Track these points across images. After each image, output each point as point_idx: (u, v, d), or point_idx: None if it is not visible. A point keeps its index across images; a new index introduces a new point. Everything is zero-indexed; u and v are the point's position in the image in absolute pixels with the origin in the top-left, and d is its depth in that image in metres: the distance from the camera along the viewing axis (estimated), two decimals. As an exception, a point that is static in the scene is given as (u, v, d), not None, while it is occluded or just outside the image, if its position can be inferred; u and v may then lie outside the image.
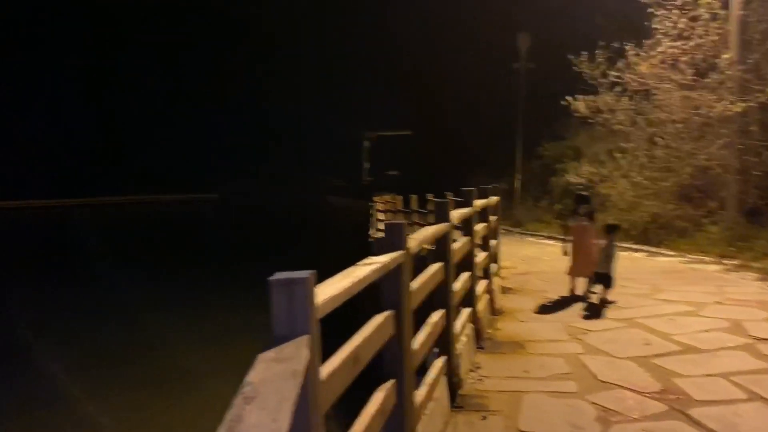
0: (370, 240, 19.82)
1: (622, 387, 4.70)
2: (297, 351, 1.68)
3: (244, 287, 18.09)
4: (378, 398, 2.86)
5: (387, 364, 3.12)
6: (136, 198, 74.08)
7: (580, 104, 16.27)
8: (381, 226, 19.36)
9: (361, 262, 2.79)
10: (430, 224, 11.62)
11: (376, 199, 21.79)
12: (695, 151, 14.15)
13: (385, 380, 3.07)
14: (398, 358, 3.15)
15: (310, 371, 1.79)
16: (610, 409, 4.29)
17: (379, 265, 2.75)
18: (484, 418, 4.34)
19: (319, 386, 1.92)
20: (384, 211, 19.55)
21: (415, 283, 3.56)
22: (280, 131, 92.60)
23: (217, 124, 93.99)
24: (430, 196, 15.26)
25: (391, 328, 3.04)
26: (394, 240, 3.18)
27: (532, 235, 18.98)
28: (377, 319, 2.88)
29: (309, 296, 1.85)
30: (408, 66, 45.04)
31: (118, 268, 23.06)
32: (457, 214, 5.00)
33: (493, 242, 8.26)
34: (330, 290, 2.15)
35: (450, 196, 14.69)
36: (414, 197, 16.18)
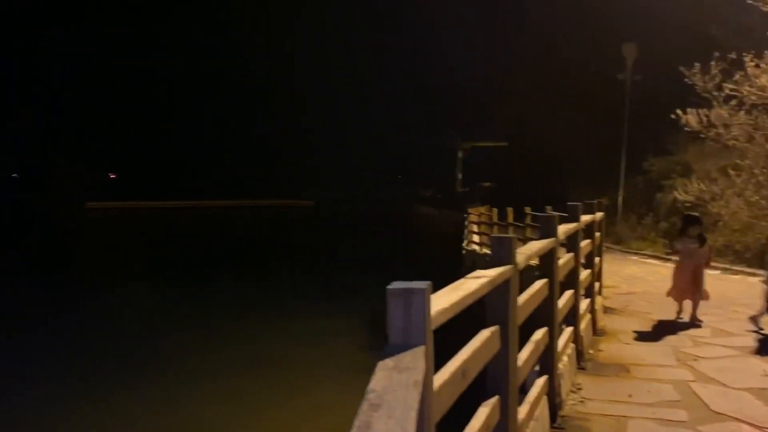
0: (462, 252, 19.67)
1: (737, 419, 4.40)
2: (415, 361, 1.69)
3: (330, 292, 18.48)
4: (482, 414, 2.82)
5: (491, 379, 3.07)
6: (237, 202, 77.20)
7: (690, 118, 15.45)
8: (475, 238, 19.18)
9: (469, 275, 2.77)
10: (528, 238, 11.35)
11: (470, 210, 21.58)
12: (821, 169, 13.10)
13: (489, 396, 3.02)
14: (503, 374, 3.09)
15: (426, 382, 1.79)
16: (725, 443, 4.03)
17: (488, 279, 2.72)
18: (586, 441, 4.19)
19: (432, 397, 1.91)
20: (479, 223, 19.33)
21: (521, 299, 3.49)
22: (375, 140, 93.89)
23: (313, 133, 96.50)
24: (528, 209, 14.98)
25: (498, 343, 2.99)
26: (502, 254, 3.13)
27: (635, 254, 18.18)
28: (484, 334, 2.85)
29: (426, 307, 1.86)
30: (505, 75, 44.35)
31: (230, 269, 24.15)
32: (563, 230, 4.87)
33: (596, 260, 7.98)
34: (442, 302, 2.14)
35: (549, 210, 14.36)
36: (510, 210, 15.91)
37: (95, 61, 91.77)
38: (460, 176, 68.71)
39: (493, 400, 2.98)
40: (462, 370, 2.36)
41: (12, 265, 22.95)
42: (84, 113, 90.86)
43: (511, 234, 14.92)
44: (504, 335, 3.06)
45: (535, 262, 4.48)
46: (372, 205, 69.69)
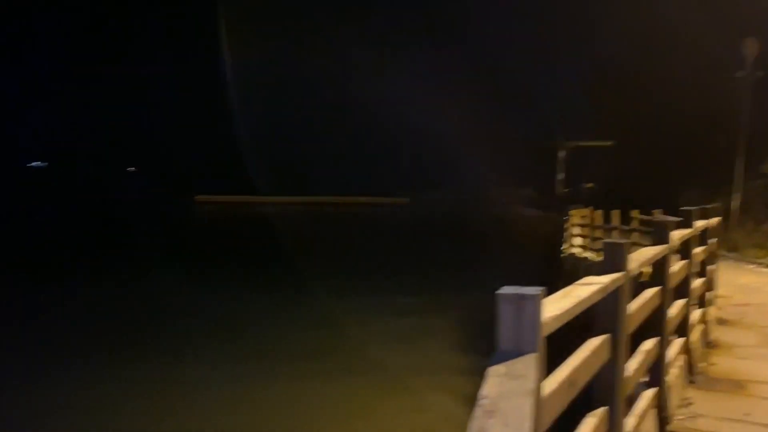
0: (561, 255, 19.13)
1: None
2: (527, 369, 1.66)
3: (425, 291, 18.48)
4: (589, 424, 2.74)
5: (598, 389, 2.97)
6: (335, 199, 78.70)
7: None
8: (575, 241, 18.60)
9: (580, 282, 2.69)
10: (635, 243, 10.87)
11: (572, 212, 20.94)
12: None
13: (595, 406, 2.93)
14: (611, 385, 2.99)
15: (537, 390, 1.76)
16: None
17: (600, 287, 2.63)
18: (698, 460, 3.97)
19: (542, 406, 1.88)
20: (581, 226, 18.73)
21: (632, 308, 3.36)
22: (472, 138, 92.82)
23: (409, 130, 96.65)
24: (634, 213, 14.38)
25: (606, 352, 2.89)
26: (614, 260, 3.02)
27: (751, 263, 17.01)
28: (593, 343, 2.76)
29: (538, 313, 1.82)
30: (611, 71, 42.58)
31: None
32: (677, 236, 4.64)
33: (710, 268, 7.54)
34: (553, 309, 2.10)
35: (659, 214, 13.70)
36: (616, 213, 15.31)
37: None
38: (561, 177, 66.84)
39: (601, 411, 2.88)
40: (570, 379, 2.30)
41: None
42: (195, 109, 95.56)
43: (616, 238, 14.38)
44: (613, 344, 2.95)
45: (646, 269, 4.30)
46: (468, 205, 69.07)
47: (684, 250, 5.37)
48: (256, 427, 8.65)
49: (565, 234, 20.64)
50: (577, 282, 2.67)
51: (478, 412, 1.34)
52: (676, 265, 4.92)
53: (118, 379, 10.16)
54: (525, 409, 1.37)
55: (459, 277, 21.87)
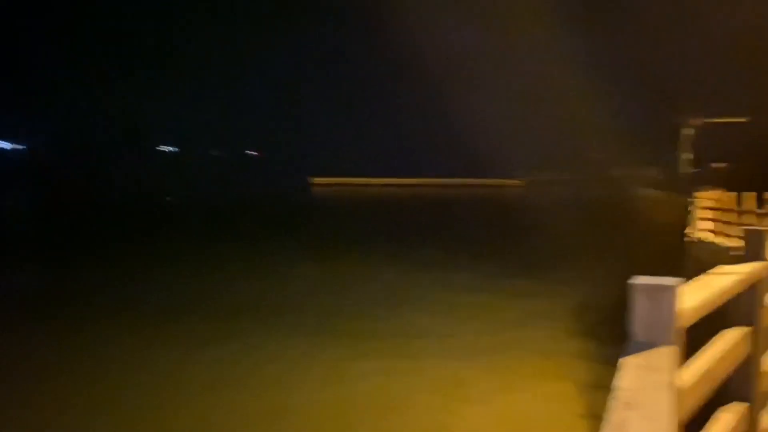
0: (685, 239, 18.04)
1: None
2: (664, 361, 1.62)
3: (539, 275, 18.10)
4: (724, 420, 2.62)
5: (735, 384, 2.82)
6: (449, 181, 78.34)
7: None
8: (702, 225, 17.47)
9: (715, 271, 2.57)
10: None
11: (698, 194, 19.68)
12: None
13: (730, 401, 2.80)
14: (749, 380, 2.83)
15: (675, 383, 1.71)
16: None
17: (740, 277, 2.50)
18: None
19: (680, 399, 1.82)
20: (711, 209, 17.56)
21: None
22: (589, 117, 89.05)
23: (525, 107, 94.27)
24: (770, 195, 13.31)
25: (744, 346, 2.74)
26: (755, 248, 2.85)
27: None
28: (730, 336, 2.63)
29: (674, 304, 1.77)
30: (745, 39, 39.32)
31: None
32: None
33: None
34: (690, 300, 2.02)
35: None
36: (750, 195, 14.21)
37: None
38: (686, 156, 62.91)
39: (736, 407, 2.75)
40: (707, 373, 2.21)
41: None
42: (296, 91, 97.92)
43: (751, 223, 13.40)
44: (752, 338, 2.80)
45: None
46: (587, 186, 66.57)
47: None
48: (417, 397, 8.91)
49: (689, 217, 19.45)
50: (712, 271, 2.55)
51: (615, 403, 1.34)
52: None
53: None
54: (664, 403, 1.34)
55: (577, 261, 21.28)
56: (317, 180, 77.67)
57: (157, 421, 7.92)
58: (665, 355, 1.66)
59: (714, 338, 2.54)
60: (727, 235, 14.66)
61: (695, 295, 2.10)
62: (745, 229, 2.99)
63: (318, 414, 8.25)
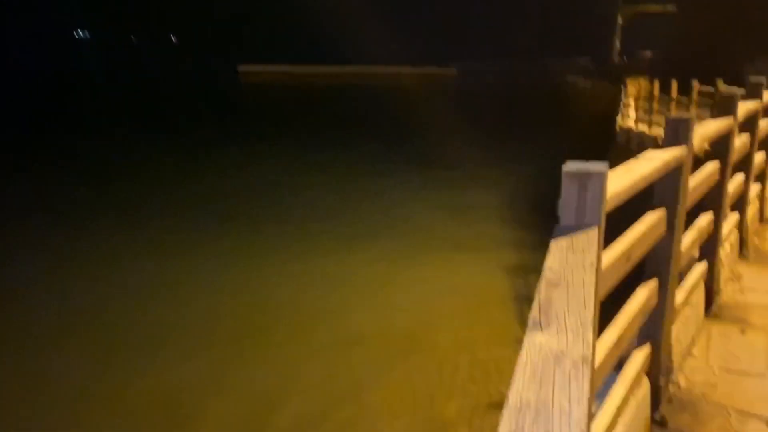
0: (616, 128, 18.59)
1: None
2: (589, 243, 1.70)
3: (474, 165, 18.43)
4: (641, 295, 2.80)
5: (653, 262, 3.01)
6: (376, 70, 76.31)
7: None
8: (631, 113, 17.97)
9: (641, 156, 2.66)
10: (700, 117, 10.47)
11: (628, 82, 20.09)
12: None
13: (648, 278, 2.99)
14: (666, 259, 3.02)
15: (598, 263, 1.80)
16: None
17: (662, 162, 2.59)
18: (743, 331, 4.06)
19: (601, 278, 1.93)
20: (637, 97, 18.02)
21: (692, 183, 3.31)
22: (521, 6, 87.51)
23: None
24: (695, 84, 13.73)
25: (663, 227, 2.90)
26: (677, 135, 2.94)
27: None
28: (650, 217, 2.77)
29: (603, 189, 1.83)
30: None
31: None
32: (742, 110, 4.45)
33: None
34: (615, 185, 2.09)
35: (721, 85, 13.03)
36: (675, 82, 14.61)
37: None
38: (618, 45, 63.53)
39: (652, 284, 2.94)
40: (627, 253, 2.34)
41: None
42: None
43: (673, 110, 13.86)
44: (670, 219, 2.95)
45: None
46: (520, 76, 66.65)
47: (749, 123, 5.16)
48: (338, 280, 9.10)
49: (620, 105, 19.93)
50: (638, 156, 2.63)
51: (543, 283, 1.40)
52: (739, 140, 4.76)
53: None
54: (588, 282, 1.42)
55: (509, 150, 21.67)
56: (247, 68, 74.21)
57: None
58: (589, 237, 1.74)
59: (638, 221, 2.66)
60: (651, 123, 15.21)
61: (620, 180, 2.17)
62: (667, 118, 3.06)
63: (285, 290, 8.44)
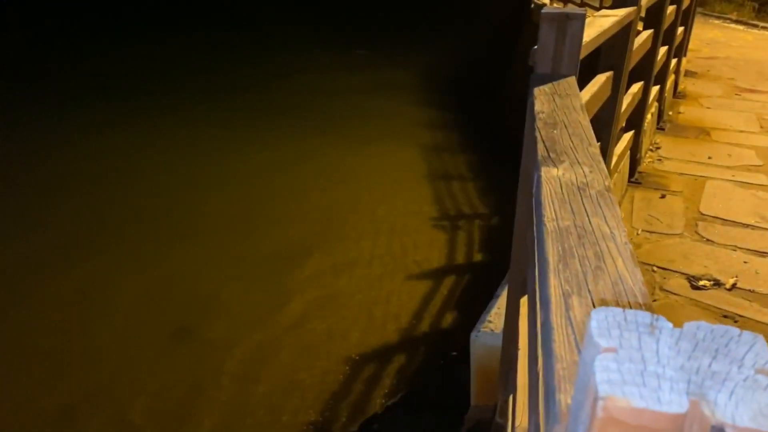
0: (531, 5, 18.45)
1: (820, 187, 4.40)
2: (571, 89, 1.64)
3: (388, 45, 17.99)
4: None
5: (597, 123, 3.04)
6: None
7: None
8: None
9: (597, 14, 2.59)
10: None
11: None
12: None
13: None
14: (608, 121, 3.06)
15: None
16: (805, 207, 4.07)
17: (617, 18, 2.54)
18: (663, 196, 4.28)
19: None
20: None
21: (634, 46, 3.31)
22: None
23: None
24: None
25: (609, 88, 2.90)
26: (627, -6, 2.89)
27: (717, 17, 16.86)
28: (600, 78, 2.75)
29: (581, 35, 1.76)
30: None
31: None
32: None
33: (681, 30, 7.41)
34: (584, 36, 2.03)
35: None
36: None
37: None
38: None
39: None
40: (586, 107, 2.32)
41: None
42: None
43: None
44: (616, 81, 2.96)
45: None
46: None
47: (676, -7, 5.20)
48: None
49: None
50: (595, 14, 2.56)
51: (539, 124, 1.34)
52: (669, 9, 4.79)
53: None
54: (584, 123, 1.37)
55: (421, 28, 21.17)
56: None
57: None
58: (570, 84, 1.68)
59: (591, 81, 2.64)
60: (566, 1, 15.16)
61: (587, 31, 2.10)
62: (619, -25, 2.99)
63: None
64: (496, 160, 7.93)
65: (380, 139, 10.23)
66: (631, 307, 0.63)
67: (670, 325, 0.44)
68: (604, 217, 0.91)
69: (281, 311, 4.82)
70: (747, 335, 0.42)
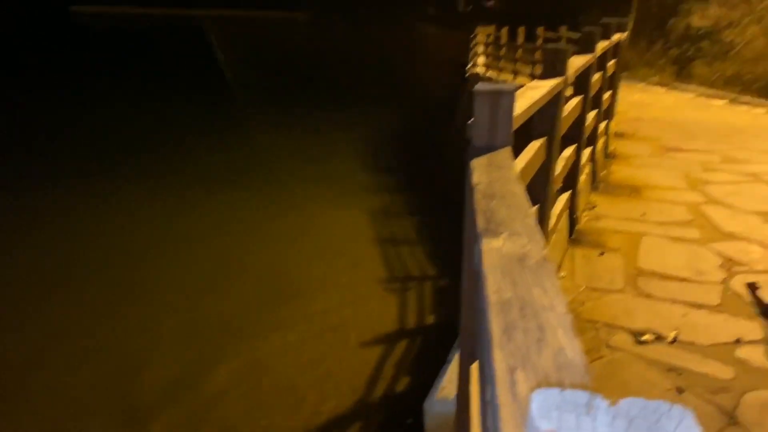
0: (466, 74, 19.25)
1: (746, 240, 4.63)
2: (507, 160, 1.72)
3: (326, 113, 18.37)
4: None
5: (533, 188, 3.15)
6: (225, 12, 73.26)
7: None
8: (480, 60, 18.68)
9: (528, 86, 2.73)
10: (538, 61, 11.07)
11: (478, 30, 20.75)
12: None
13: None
14: (545, 184, 3.18)
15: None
16: (734, 259, 4.27)
17: (547, 89, 2.68)
18: (602, 254, 4.42)
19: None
20: (486, 44, 18.71)
21: (564, 113, 3.48)
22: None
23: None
24: (540, 30, 14.46)
25: (543, 154, 3.03)
26: (555, 66, 3.06)
27: (641, 81, 17.92)
28: (535, 145, 2.88)
29: (512, 109, 1.85)
30: None
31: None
32: (600, 48, 4.74)
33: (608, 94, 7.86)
34: (516, 109, 2.13)
35: (563, 30, 13.79)
36: (521, 30, 15.33)
37: None
38: (463, -7, 65.18)
39: (534, 208, 3.09)
40: (522, 175, 2.41)
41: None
42: None
43: (520, 56, 14.54)
44: (549, 147, 3.10)
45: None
46: (371, 21, 66.67)
47: (600, 62, 5.53)
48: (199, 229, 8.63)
49: (470, 53, 20.61)
50: (526, 86, 2.70)
51: (478, 196, 1.39)
52: (595, 76, 5.09)
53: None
54: (520, 194, 1.43)
55: (361, 97, 21.72)
56: (80, 8, 67.84)
57: None
58: (505, 154, 1.76)
59: (525, 148, 2.76)
60: (500, 69, 15.91)
61: (518, 104, 2.21)
62: (545, 49, 3.18)
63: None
64: (443, 220, 8.06)
65: (328, 203, 10.29)
66: (571, 380, 0.66)
67: (606, 403, 0.46)
68: (544, 288, 0.95)
69: (210, 379, 4.70)
70: (676, 410, 0.45)
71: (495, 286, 0.95)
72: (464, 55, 22.50)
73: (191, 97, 20.07)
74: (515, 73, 14.56)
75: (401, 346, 5.56)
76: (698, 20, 16.77)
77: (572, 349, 0.78)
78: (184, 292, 6.40)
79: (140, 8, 70.18)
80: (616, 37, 6.52)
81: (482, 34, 19.29)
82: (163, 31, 53.28)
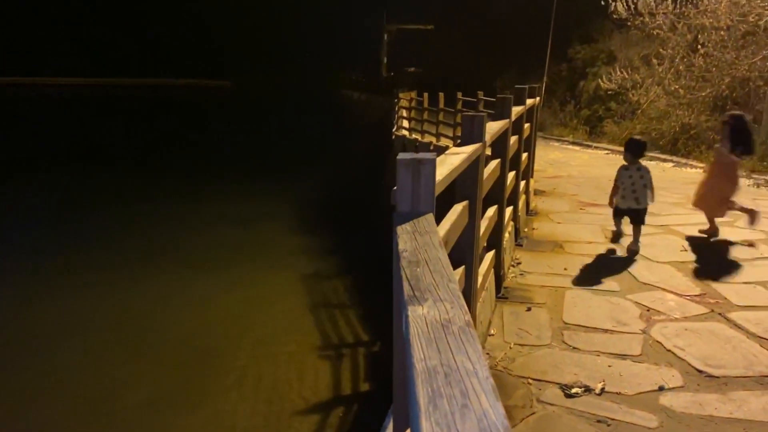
0: (393, 137, 19.74)
1: (662, 289, 4.86)
2: (431, 225, 1.78)
3: (259, 178, 18.36)
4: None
5: (458, 249, 3.23)
6: (148, 81, 72.69)
7: (619, 5, 15.79)
8: (404, 123, 19.24)
9: (448, 152, 2.85)
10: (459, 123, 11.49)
11: (401, 95, 21.44)
12: (736, 61, 13.73)
13: (456, 266, 3.20)
14: (470, 245, 3.27)
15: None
16: (653, 309, 4.47)
17: (466, 155, 2.80)
18: (529, 309, 4.54)
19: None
20: (408, 109, 19.30)
21: (485, 176, 3.62)
22: (296, 19, 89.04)
23: (233, 8, 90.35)
24: (459, 94, 15.06)
25: (466, 216, 3.13)
26: (473, 132, 3.21)
27: (556, 140, 18.84)
28: (457, 208, 2.97)
29: (433, 176, 1.93)
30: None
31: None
32: (515, 112, 4.99)
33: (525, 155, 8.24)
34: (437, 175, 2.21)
35: (481, 95, 14.41)
36: (441, 95, 15.93)
37: None
38: (385, 61, 67.50)
39: (460, 270, 3.16)
40: (445, 239, 2.48)
41: None
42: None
43: (441, 119, 15.06)
44: (472, 209, 3.20)
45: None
46: (296, 88, 67.68)
47: (516, 126, 5.81)
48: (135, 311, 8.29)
49: (395, 117, 21.19)
50: (446, 152, 2.81)
51: (404, 263, 1.43)
52: (512, 139, 5.34)
53: None
54: (443, 259, 1.48)
55: (293, 161, 21.85)
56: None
57: None
58: (428, 220, 1.82)
59: (449, 212, 2.84)
60: (422, 132, 16.41)
61: (439, 170, 2.30)
62: (464, 116, 3.33)
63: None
64: (376, 281, 8.08)
65: (259, 269, 10.16)
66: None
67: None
68: (467, 354, 0.99)
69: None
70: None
71: (420, 354, 0.98)
72: (389, 118, 23.12)
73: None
74: (438, 135, 15.06)
75: (336, 414, 5.46)
76: (605, 83, 17.92)
77: (495, 412, 0.81)
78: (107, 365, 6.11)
79: (57, 78, 68.81)
80: (530, 102, 6.89)
81: (405, 99, 19.92)
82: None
